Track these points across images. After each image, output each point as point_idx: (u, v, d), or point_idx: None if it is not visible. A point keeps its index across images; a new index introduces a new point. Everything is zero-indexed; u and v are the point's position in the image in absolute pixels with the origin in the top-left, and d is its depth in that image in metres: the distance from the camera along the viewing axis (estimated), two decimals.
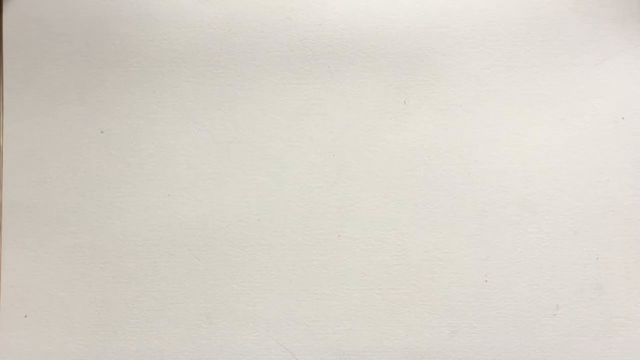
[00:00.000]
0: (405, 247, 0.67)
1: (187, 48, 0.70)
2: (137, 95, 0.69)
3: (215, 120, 0.69)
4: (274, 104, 0.69)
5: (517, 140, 0.69)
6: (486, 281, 0.67)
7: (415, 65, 0.69)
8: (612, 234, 0.68)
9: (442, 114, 0.69)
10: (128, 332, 0.67)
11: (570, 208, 0.68)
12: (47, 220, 0.68)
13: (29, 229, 0.68)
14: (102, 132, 0.69)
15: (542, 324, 0.67)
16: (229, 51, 0.70)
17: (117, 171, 0.69)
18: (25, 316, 0.67)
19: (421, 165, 0.69)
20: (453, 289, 0.66)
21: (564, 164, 0.69)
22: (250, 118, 0.69)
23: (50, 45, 0.69)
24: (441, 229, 0.68)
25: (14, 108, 0.69)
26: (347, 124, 0.69)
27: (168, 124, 0.69)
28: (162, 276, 0.68)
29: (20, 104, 0.69)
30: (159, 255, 0.68)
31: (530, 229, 0.68)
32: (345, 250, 0.68)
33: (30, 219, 0.68)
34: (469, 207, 0.68)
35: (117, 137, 0.69)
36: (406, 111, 0.69)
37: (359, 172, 0.68)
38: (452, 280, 0.67)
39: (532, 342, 0.67)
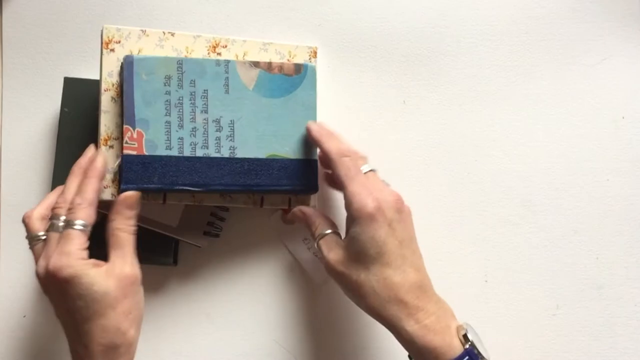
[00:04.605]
0: None
1: None
2: None
3: None
4: None
5: (517, 140, 0.69)
6: (486, 281, 0.67)
7: (415, 65, 0.69)
8: (612, 234, 0.68)
9: (441, 114, 0.69)
10: None
11: (570, 208, 0.68)
12: None
13: None
14: None
15: (542, 324, 0.67)
16: None
17: None
18: (25, 316, 0.67)
19: (421, 165, 0.69)
20: (453, 289, 0.66)
21: (564, 164, 0.69)
22: None
23: (49, 45, 0.69)
24: (441, 229, 0.68)
25: (14, 108, 0.69)
26: (346, 123, 0.69)
27: None
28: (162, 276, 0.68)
29: (20, 104, 0.69)
30: None
31: (530, 229, 0.68)
32: None
33: None
34: (469, 207, 0.68)
35: None
36: (406, 111, 0.69)
37: None
38: (452, 280, 0.67)
39: (532, 342, 0.67)
